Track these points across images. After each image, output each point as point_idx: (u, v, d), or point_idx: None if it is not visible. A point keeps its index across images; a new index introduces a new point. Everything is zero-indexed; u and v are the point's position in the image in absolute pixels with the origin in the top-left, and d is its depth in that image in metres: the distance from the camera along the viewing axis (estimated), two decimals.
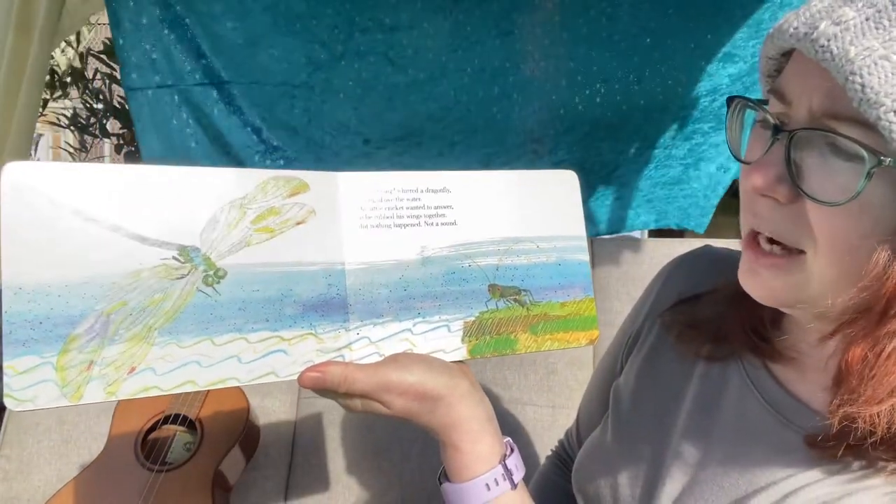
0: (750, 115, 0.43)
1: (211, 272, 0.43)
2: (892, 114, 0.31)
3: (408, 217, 0.50)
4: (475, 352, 0.50)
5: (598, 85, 1.53)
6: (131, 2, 1.67)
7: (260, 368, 0.43)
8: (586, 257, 0.55)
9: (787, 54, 0.40)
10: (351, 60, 1.67)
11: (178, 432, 1.06)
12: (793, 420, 0.45)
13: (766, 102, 0.41)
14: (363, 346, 0.47)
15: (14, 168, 0.39)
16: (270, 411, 1.20)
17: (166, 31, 1.70)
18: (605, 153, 1.47)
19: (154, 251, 0.42)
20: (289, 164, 1.81)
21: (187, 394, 1.04)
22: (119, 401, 1.05)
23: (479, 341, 0.51)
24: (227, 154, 1.84)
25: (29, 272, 0.38)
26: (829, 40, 0.33)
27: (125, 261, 0.41)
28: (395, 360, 0.46)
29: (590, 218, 1.52)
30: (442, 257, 0.50)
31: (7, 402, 0.37)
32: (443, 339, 0.50)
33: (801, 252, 0.39)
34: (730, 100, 0.43)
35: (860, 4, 0.33)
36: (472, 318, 0.50)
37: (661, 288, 0.61)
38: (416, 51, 1.65)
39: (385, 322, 0.48)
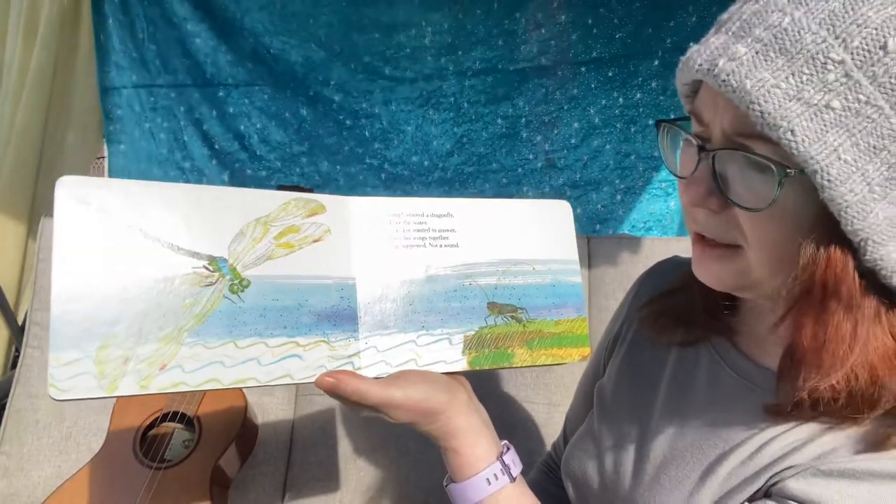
0: (677, 133, 0.48)
1: (237, 281, 0.47)
2: (789, 133, 0.36)
3: (414, 238, 0.53)
4: (475, 363, 0.54)
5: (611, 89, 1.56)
6: None
7: (277, 371, 0.47)
8: (579, 279, 0.59)
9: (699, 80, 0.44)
10: (347, 61, 1.63)
11: (177, 429, 1.06)
12: (759, 385, 0.51)
13: (689, 118, 0.46)
14: (371, 354, 0.51)
15: (68, 182, 0.43)
16: (268, 409, 1.20)
17: (151, 30, 1.64)
18: None
19: (186, 260, 0.45)
20: (271, 175, 1.74)
21: (185, 392, 1.05)
22: (119, 399, 1.06)
23: (479, 354, 0.54)
24: (205, 161, 1.74)
25: (76, 276, 0.42)
26: (728, 75, 0.38)
27: (160, 268, 0.44)
28: (401, 376, 0.50)
29: None
30: (445, 276, 0.54)
31: (50, 390, 0.41)
32: (445, 350, 0.53)
33: (739, 246, 0.45)
34: (658, 123, 0.48)
35: (749, 41, 0.38)
36: (472, 332, 0.54)
37: (635, 294, 0.67)
38: (414, 50, 1.63)
39: (391, 333, 0.51)
